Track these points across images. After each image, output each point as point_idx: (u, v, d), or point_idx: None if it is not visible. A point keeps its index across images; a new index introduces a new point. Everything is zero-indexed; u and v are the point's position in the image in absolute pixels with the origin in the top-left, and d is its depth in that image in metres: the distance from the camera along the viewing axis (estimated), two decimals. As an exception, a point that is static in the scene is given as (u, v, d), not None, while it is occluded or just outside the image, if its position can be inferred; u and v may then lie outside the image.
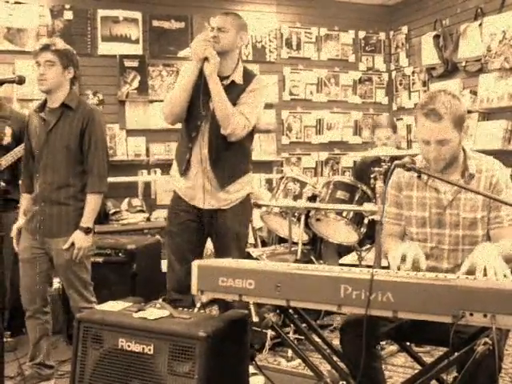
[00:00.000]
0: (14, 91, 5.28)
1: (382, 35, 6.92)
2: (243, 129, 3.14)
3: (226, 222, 3.24)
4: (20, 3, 5.38)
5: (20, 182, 3.43)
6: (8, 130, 3.91)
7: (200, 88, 3.10)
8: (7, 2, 5.35)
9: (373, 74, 6.90)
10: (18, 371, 3.50)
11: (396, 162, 2.32)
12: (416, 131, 2.46)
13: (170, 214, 3.39)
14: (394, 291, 1.88)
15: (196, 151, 3.19)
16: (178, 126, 3.35)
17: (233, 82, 3.19)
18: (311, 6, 6.58)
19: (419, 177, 2.47)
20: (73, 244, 3.16)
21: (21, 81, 2.99)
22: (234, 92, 3.16)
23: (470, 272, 2.12)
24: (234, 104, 3.15)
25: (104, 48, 5.73)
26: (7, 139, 3.90)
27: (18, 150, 3.81)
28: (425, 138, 2.35)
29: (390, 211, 2.61)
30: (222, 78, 3.15)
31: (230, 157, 3.20)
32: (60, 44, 3.18)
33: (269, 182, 5.99)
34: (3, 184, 3.77)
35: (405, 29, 6.70)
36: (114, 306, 2.58)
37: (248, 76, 3.25)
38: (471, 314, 1.77)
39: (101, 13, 5.72)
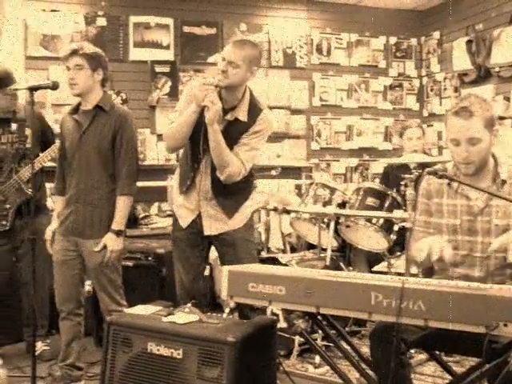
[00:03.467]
0: (47, 96, 5.35)
1: (414, 41, 6.86)
2: (238, 175, 3.06)
3: (235, 236, 3.21)
4: (56, 11, 5.48)
5: (54, 184, 3.48)
6: (29, 132, 3.90)
7: (201, 123, 2.99)
8: (44, 10, 5.44)
9: (404, 80, 6.84)
10: (50, 372, 3.55)
11: (428, 169, 2.31)
12: (446, 135, 2.45)
13: (174, 220, 3.36)
14: (425, 300, 1.86)
15: (198, 181, 3.14)
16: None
17: (236, 118, 3.08)
18: (342, 11, 6.55)
19: (449, 184, 2.45)
20: (105, 246, 3.19)
21: (55, 86, 3.04)
22: (236, 129, 3.08)
23: (501, 250, 2.19)
24: (235, 140, 3.06)
25: (136, 54, 5.79)
26: (29, 142, 3.90)
27: (45, 155, 3.86)
28: (455, 137, 2.33)
29: (419, 219, 2.59)
30: (226, 110, 3.05)
31: (234, 187, 3.13)
32: (87, 47, 3.22)
33: (298, 187, 5.97)
34: (32, 190, 3.85)
35: (436, 34, 6.63)
36: (143, 310, 2.60)
37: (253, 111, 3.11)
38: (505, 325, 1.74)
39: (133, 19, 5.78)
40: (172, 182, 3.51)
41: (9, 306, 4.12)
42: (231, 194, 3.17)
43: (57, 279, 3.32)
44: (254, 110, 3.11)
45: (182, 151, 3.30)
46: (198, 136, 3.04)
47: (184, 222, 3.23)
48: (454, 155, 2.37)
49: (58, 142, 3.80)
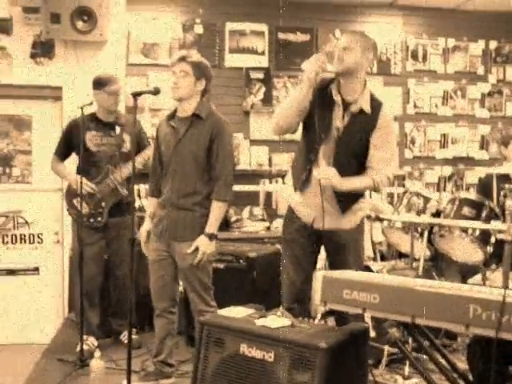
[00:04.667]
0: (146, 101, 5.56)
1: (516, 45, 6.61)
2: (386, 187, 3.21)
3: (347, 238, 3.21)
4: (156, 19, 5.69)
5: (148, 185, 3.61)
6: (126, 137, 4.13)
7: (319, 111, 3.04)
8: (146, 19, 5.68)
9: (503, 87, 6.59)
10: (143, 367, 3.67)
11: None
12: None
13: (285, 221, 3.40)
14: (527, 315, 1.79)
15: (315, 174, 3.14)
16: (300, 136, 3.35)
17: (361, 110, 3.08)
18: (438, 16, 6.40)
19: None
20: (197, 248, 3.26)
21: (157, 92, 3.15)
22: (362, 122, 3.08)
23: None
24: (365, 137, 3.09)
25: (231, 60, 5.91)
26: (126, 146, 4.13)
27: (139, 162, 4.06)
28: None
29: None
30: (348, 103, 3.08)
31: None
32: (195, 56, 3.32)
33: (390, 195, 5.88)
34: (126, 191, 4.04)
35: (541, 38, 6.35)
36: (236, 312, 2.64)
37: (375, 104, 3.12)
38: None
39: (229, 26, 5.91)
40: (277, 187, 3.54)
41: (103, 300, 4.30)
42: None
43: (152, 277, 3.43)
44: (376, 103, 3.14)
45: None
46: (314, 125, 3.06)
47: (305, 218, 3.23)
48: None
49: (151, 148, 3.98)
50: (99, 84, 4.02)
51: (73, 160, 4.27)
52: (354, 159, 3.11)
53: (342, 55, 3.04)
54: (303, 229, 3.24)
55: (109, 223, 4.11)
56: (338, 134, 3.08)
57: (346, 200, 3.17)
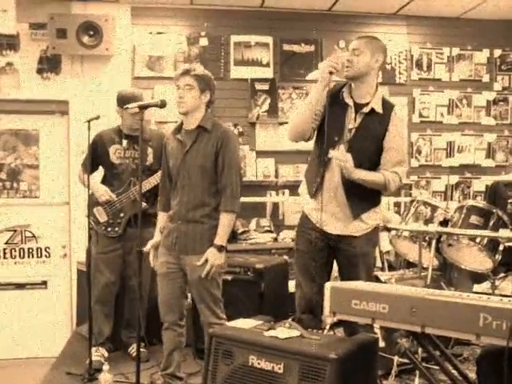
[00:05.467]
0: (152, 114, 5.58)
1: (521, 53, 6.60)
2: (397, 188, 3.19)
3: (356, 246, 3.21)
4: (161, 33, 5.73)
5: (158, 200, 3.62)
6: (150, 151, 4.17)
7: (335, 113, 3.09)
8: (150, 33, 5.71)
9: (509, 94, 6.58)
10: (151, 380, 3.66)
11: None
12: None
13: (298, 232, 3.41)
14: (539, 323, 1.78)
15: (328, 177, 3.18)
16: (308, 147, 3.39)
17: (372, 109, 3.15)
18: (442, 25, 6.40)
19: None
20: (206, 261, 3.25)
21: (163, 105, 3.17)
22: (374, 122, 3.14)
23: None
24: (377, 138, 3.13)
25: (236, 72, 5.92)
26: (150, 160, 4.17)
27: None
28: None
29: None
30: (360, 105, 3.13)
31: (365, 187, 3.15)
32: (199, 69, 3.33)
33: (397, 205, 5.87)
34: (145, 204, 4.05)
35: (546, 46, 6.35)
36: (245, 324, 2.64)
37: (387, 105, 3.20)
38: None
39: (234, 38, 5.93)
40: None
41: (117, 312, 4.29)
42: (361, 191, 3.16)
43: (160, 291, 3.42)
44: (388, 105, 3.20)
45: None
46: (327, 128, 3.10)
47: (329, 227, 3.24)
48: None
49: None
50: (121, 102, 4.05)
51: (100, 173, 4.32)
52: (366, 160, 3.14)
53: (351, 59, 3.10)
54: (316, 240, 3.25)
55: (127, 234, 4.14)
56: (351, 135, 3.13)
57: (359, 206, 3.19)
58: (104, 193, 4.10)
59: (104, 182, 4.21)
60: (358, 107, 3.14)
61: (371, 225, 3.27)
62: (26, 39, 5.28)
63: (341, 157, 3.03)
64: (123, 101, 4.03)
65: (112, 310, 4.23)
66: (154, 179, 4.04)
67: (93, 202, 4.16)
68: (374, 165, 3.16)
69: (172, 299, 3.38)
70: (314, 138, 3.31)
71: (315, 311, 3.18)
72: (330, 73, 3.03)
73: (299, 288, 3.32)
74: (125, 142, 4.16)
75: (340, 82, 3.25)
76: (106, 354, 4.12)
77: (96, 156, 4.12)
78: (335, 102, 3.13)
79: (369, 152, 3.15)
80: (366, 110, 3.14)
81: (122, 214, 4.15)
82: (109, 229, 4.14)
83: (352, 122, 3.14)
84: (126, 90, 4.30)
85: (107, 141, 4.13)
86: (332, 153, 3.06)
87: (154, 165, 4.12)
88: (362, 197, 3.18)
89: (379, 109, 3.14)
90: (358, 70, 3.12)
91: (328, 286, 2.25)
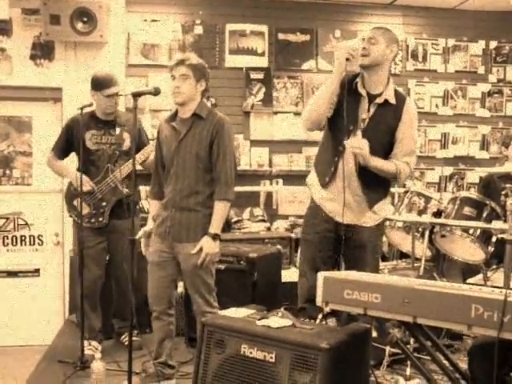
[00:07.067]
0: (146, 102, 5.55)
1: (516, 45, 6.60)
2: (407, 178, 3.23)
3: (365, 236, 3.25)
4: (156, 21, 5.69)
5: (150, 188, 3.59)
6: (126, 135, 4.09)
7: (349, 103, 3.10)
8: (145, 20, 5.68)
9: (504, 86, 6.58)
10: (144, 368, 3.66)
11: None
12: None
13: (306, 222, 3.43)
14: (530, 314, 1.78)
15: (342, 166, 3.18)
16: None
17: (385, 100, 3.18)
18: (438, 16, 6.39)
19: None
20: (201, 249, 3.25)
21: (157, 92, 3.14)
22: (387, 113, 3.17)
23: None
24: (391, 128, 3.15)
25: (231, 61, 5.90)
26: (127, 144, 4.08)
27: (139, 156, 4.00)
28: None
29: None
30: (373, 96, 3.16)
31: (380, 176, 3.19)
32: (194, 59, 3.31)
33: (391, 195, 5.87)
34: (126, 190, 4.00)
35: (541, 38, 6.34)
36: (237, 313, 2.64)
37: (399, 96, 3.23)
38: None
39: (229, 27, 5.90)
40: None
41: (105, 302, 4.28)
42: (376, 180, 3.20)
43: (150, 279, 3.41)
44: (400, 95, 3.25)
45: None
46: (341, 118, 3.12)
47: (331, 214, 3.26)
48: None
49: (151, 145, 3.99)
50: (95, 85, 3.98)
51: (72, 159, 4.22)
52: (379, 150, 3.16)
53: (367, 48, 3.12)
54: (326, 232, 3.27)
55: (110, 225, 4.06)
56: (364, 125, 3.15)
57: (373, 196, 3.22)
58: (86, 183, 3.96)
59: (79, 169, 4.04)
60: (372, 97, 3.17)
61: (382, 216, 3.33)
62: (19, 25, 5.22)
63: (357, 144, 3.05)
64: (97, 85, 3.97)
65: (98, 301, 4.16)
66: (131, 164, 3.94)
67: (71, 194, 4.09)
68: (386, 154, 3.21)
69: (161, 288, 3.37)
70: (325, 129, 3.32)
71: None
72: (347, 59, 3.04)
73: (304, 277, 3.33)
74: (100, 127, 4.04)
75: (350, 72, 3.25)
76: (100, 347, 4.09)
77: (71, 142, 4.04)
78: (349, 91, 3.15)
79: (381, 142, 3.18)
80: (379, 100, 3.16)
81: (104, 203, 4.03)
82: (93, 220, 4.03)
83: (365, 112, 3.18)
84: (101, 71, 4.15)
85: (83, 126, 3.95)
86: (347, 142, 3.08)
87: (130, 149, 4.02)
88: (375, 187, 3.22)
89: (392, 100, 3.18)
90: (374, 59, 3.14)
91: (321, 275, 2.25)
